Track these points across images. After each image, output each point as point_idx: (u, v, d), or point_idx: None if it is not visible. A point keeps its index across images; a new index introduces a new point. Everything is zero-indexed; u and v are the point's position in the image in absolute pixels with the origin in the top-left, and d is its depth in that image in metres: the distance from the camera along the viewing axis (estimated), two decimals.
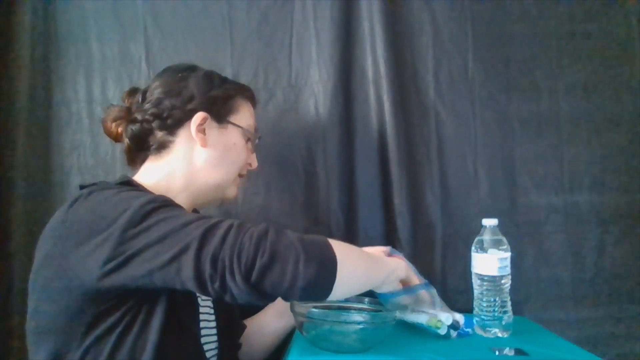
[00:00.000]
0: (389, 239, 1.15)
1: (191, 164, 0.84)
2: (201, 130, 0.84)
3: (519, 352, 0.80)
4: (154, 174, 0.84)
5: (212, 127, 0.86)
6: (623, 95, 1.17)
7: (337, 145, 1.16)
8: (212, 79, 0.89)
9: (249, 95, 0.94)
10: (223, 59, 1.17)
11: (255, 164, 0.96)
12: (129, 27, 1.19)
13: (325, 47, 1.17)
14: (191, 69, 0.89)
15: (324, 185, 1.16)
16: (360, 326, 0.80)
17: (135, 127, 0.84)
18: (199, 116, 0.83)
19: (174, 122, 0.83)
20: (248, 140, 0.92)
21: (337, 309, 0.89)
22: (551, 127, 1.17)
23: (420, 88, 1.18)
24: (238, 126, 0.89)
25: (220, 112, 0.87)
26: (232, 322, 0.94)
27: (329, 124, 1.16)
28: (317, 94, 1.18)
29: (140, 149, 0.86)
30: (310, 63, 1.18)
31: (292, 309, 0.82)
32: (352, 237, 1.16)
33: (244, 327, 0.98)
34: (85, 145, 1.18)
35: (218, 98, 0.87)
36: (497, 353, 0.80)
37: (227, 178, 0.89)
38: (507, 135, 1.17)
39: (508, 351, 0.81)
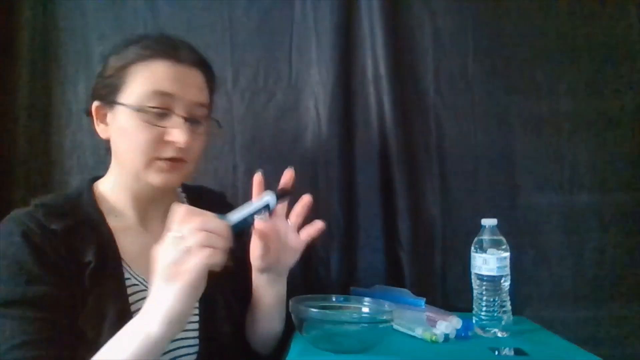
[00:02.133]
0: (389, 239, 1.15)
1: (113, 159, 0.81)
2: (103, 121, 0.79)
3: (518, 352, 0.80)
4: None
5: (107, 113, 0.78)
6: (623, 95, 1.16)
7: (337, 145, 1.16)
8: (109, 58, 0.78)
9: (148, 54, 0.75)
10: (223, 59, 1.17)
11: (178, 138, 0.73)
12: (129, 27, 1.18)
13: (325, 47, 1.17)
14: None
15: (324, 185, 1.16)
16: (360, 326, 0.80)
17: None
18: (93, 107, 0.79)
19: (92, 121, 0.80)
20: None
21: (337, 309, 0.89)
22: (551, 127, 1.16)
23: (420, 88, 1.18)
24: (123, 105, 0.74)
25: (107, 94, 0.76)
26: (217, 326, 0.83)
27: (329, 124, 1.16)
28: (317, 94, 1.17)
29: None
30: (310, 63, 1.18)
31: (291, 309, 0.82)
32: (352, 237, 1.16)
33: (231, 332, 0.86)
34: (85, 145, 1.18)
35: (106, 78, 0.77)
36: (496, 353, 0.80)
37: (134, 167, 0.75)
38: (507, 135, 1.17)
39: (508, 351, 0.81)
